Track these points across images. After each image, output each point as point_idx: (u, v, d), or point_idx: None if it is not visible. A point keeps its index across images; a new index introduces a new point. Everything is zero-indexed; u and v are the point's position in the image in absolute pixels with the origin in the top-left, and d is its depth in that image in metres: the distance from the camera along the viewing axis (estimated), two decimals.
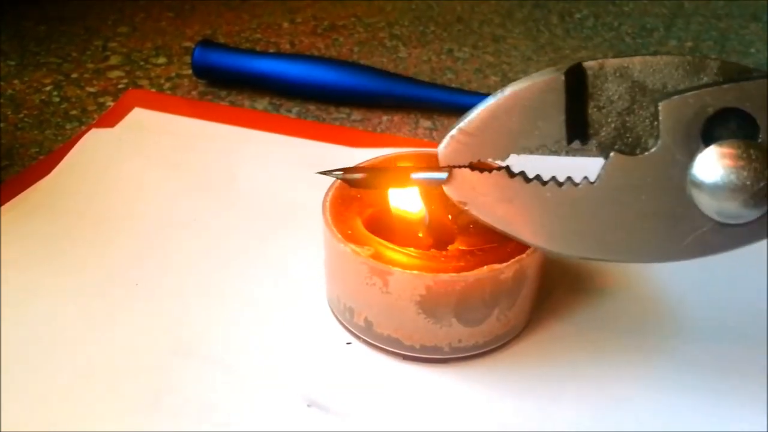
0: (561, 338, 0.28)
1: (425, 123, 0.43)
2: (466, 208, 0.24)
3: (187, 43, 0.52)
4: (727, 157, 0.20)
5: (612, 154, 0.22)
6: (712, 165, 0.21)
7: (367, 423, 0.24)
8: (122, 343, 0.27)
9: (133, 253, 0.31)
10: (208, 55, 0.45)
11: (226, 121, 0.41)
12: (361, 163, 0.29)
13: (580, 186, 0.23)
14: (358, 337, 0.27)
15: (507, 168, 0.23)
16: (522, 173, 0.23)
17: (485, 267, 0.24)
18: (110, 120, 0.41)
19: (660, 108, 0.22)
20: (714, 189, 0.21)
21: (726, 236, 0.22)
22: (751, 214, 0.21)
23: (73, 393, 0.25)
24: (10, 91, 0.45)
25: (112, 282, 0.30)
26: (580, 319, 0.28)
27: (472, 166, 0.23)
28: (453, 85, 0.47)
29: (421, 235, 0.27)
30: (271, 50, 0.52)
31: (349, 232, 0.26)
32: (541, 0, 0.61)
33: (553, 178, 0.23)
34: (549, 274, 0.30)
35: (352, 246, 0.25)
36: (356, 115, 0.44)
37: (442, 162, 0.24)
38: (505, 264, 0.24)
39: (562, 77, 0.22)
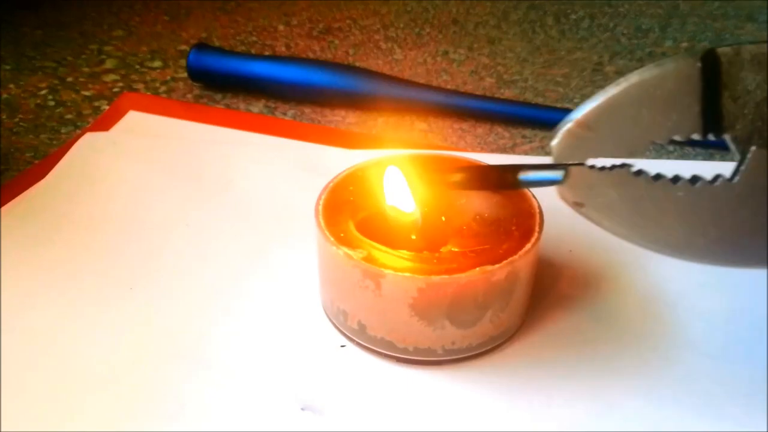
0: (554, 340, 0.28)
1: (421, 125, 0.43)
2: (582, 210, 0.22)
3: (183, 47, 0.52)
4: None
5: (753, 149, 0.20)
6: None
7: (361, 426, 0.24)
8: (116, 346, 0.27)
9: (127, 256, 0.31)
10: (204, 59, 0.45)
11: (221, 124, 0.41)
12: (458, 165, 0.27)
13: (716, 184, 0.20)
14: (352, 340, 0.27)
15: (629, 166, 0.21)
16: (644, 172, 0.21)
17: (477, 269, 0.24)
18: (105, 124, 0.41)
19: None
20: None
21: None
22: None
23: (67, 396, 0.25)
24: (5, 96, 0.45)
25: (106, 286, 0.30)
26: (574, 321, 0.28)
27: (590, 165, 0.21)
28: (448, 87, 0.47)
29: (414, 237, 0.27)
30: (267, 53, 0.52)
31: (342, 235, 0.26)
32: (536, 1, 0.61)
33: (681, 178, 0.21)
34: (542, 276, 0.30)
35: (345, 249, 0.25)
36: (351, 117, 0.44)
37: (556, 158, 0.22)
38: (497, 266, 0.24)
39: (699, 64, 0.20)
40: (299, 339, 0.28)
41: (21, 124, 0.42)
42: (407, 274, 0.24)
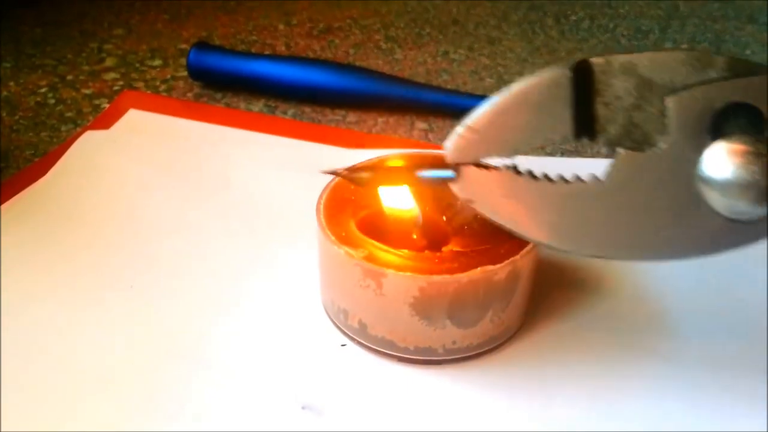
0: (555, 339, 0.28)
1: (421, 125, 0.43)
2: (473, 206, 0.24)
3: (183, 45, 0.52)
4: (736, 152, 0.20)
5: (620, 150, 0.22)
6: (721, 161, 0.20)
7: (361, 425, 0.24)
8: (116, 345, 0.27)
9: (127, 255, 0.31)
10: (204, 57, 0.45)
11: (221, 122, 0.41)
12: (365, 161, 0.29)
13: (588, 182, 0.22)
14: (353, 339, 0.27)
15: (514, 166, 0.23)
16: (529, 172, 0.23)
17: (479, 268, 0.24)
18: (105, 122, 0.41)
19: (667, 103, 0.21)
20: (723, 185, 0.20)
21: (736, 233, 0.22)
22: (762, 211, 0.20)
23: (66, 396, 0.25)
24: (5, 93, 0.45)
25: (106, 284, 0.30)
26: (575, 320, 0.28)
27: (479, 164, 0.23)
28: (448, 87, 0.47)
29: (415, 236, 0.27)
30: (267, 52, 0.52)
31: (343, 234, 0.26)
32: (536, 2, 0.61)
33: (561, 177, 0.23)
34: (543, 276, 0.30)
35: (346, 248, 0.25)
36: (352, 116, 0.44)
37: (449, 159, 0.23)
38: (498, 265, 0.24)
39: (569, 73, 0.22)
40: (300, 338, 0.27)
41: (21, 121, 0.42)
42: (408, 274, 0.24)
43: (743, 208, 0.20)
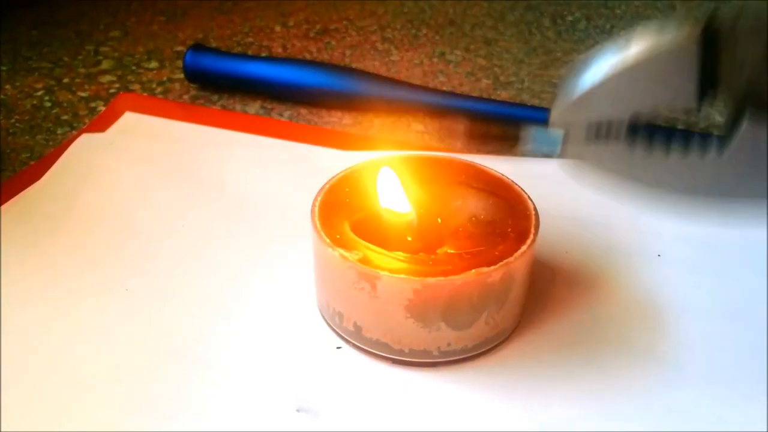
0: (550, 341, 0.28)
1: (417, 126, 0.43)
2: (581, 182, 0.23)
3: (179, 47, 0.52)
4: None
5: (745, 121, 0.21)
6: None
7: (357, 427, 0.24)
8: (112, 347, 0.27)
9: (123, 257, 0.31)
10: (200, 59, 0.45)
11: (217, 124, 0.41)
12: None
13: (709, 154, 0.21)
14: (348, 342, 0.27)
15: (627, 134, 0.22)
16: (643, 144, 0.22)
17: (473, 270, 0.24)
18: (101, 124, 0.41)
19: None
20: None
21: None
22: None
23: (63, 397, 0.25)
24: (1, 96, 0.45)
25: (102, 287, 0.30)
26: (569, 322, 0.28)
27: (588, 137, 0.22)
28: (445, 88, 0.47)
29: (409, 239, 0.27)
30: (263, 54, 0.52)
31: (338, 236, 0.26)
32: (533, 2, 0.61)
33: (676, 147, 0.22)
34: (537, 277, 0.30)
35: (341, 250, 0.25)
36: (348, 118, 0.44)
37: (556, 120, 0.22)
38: (492, 267, 0.24)
39: (698, 36, 0.21)
40: (295, 340, 0.28)
41: (17, 124, 0.42)
42: (403, 276, 0.24)
43: None
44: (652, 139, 0.22)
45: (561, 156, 0.23)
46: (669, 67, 0.21)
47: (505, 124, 0.25)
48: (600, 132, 0.22)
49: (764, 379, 0.26)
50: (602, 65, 0.21)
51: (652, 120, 0.22)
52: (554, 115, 0.22)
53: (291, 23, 0.57)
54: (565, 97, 0.22)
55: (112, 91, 0.46)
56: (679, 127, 0.23)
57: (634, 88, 0.21)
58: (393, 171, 0.28)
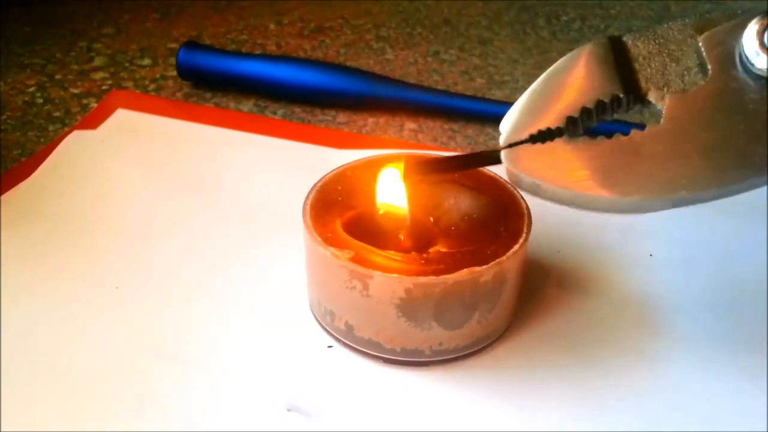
0: (542, 340, 0.28)
1: (411, 125, 0.43)
2: (534, 182, 0.23)
3: (173, 45, 0.51)
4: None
5: (667, 96, 0.22)
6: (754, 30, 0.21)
7: (348, 427, 0.24)
8: (103, 347, 0.27)
9: (114, 256, 0.31)
10: (193, 57, 0.45)
11: (210, 122, 0.41)
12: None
13: (646, 131, 0.22)
14: (339, 341, 0.27)
15: (566, 131, 0.23)
16: (583, 135, 0.23)
17: (465, 270, 0.24)
18: (93, 121, 0.41)
19: (699, 42, 0.22)
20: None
21: None
22: None
23: (53, 397, 0.25)
24: None
25: (92, 285, 0.29)
26: (562, 322, 0.28)
27: (534, 138, 0.23)
28: (439, 87, 0.47)
29: (401, 237, 0.27)
30: (257, 52, 0.51)
31: (330, 235, 0.26)
32: (528, 2, 0.61)
33: (613, 133, 0.23)
34: (530, 277, 0.30)
35: (332, 249, 0.25)
36: (342, 117, 0.44)
37: (504, 142, 0.23)
38: (485, 266, 0.24)
39: (606, 42, 0.23)
40: (286, 339, 0.27)
41: (8, 121, 0.42)
42: (394, 275, 0.24)
43: None
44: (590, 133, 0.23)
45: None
46: (589, 67, 0.23)
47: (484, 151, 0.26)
48: (541, 137, 0.23)
49: (760, 377, 0.26)
50: (531, 89, 0.24)
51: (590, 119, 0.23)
52: (501, 139, 0.24)
53: (285, 21, 0.56)
54: (506, 119, 0.24)
55: (104, 88, 0.46)
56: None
57: (561, 94, 0.23)
58: (394, 171, 0.27)
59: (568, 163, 0.23)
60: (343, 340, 0.27)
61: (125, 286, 0.29)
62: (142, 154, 0.38)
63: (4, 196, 0.34)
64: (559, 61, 0.24)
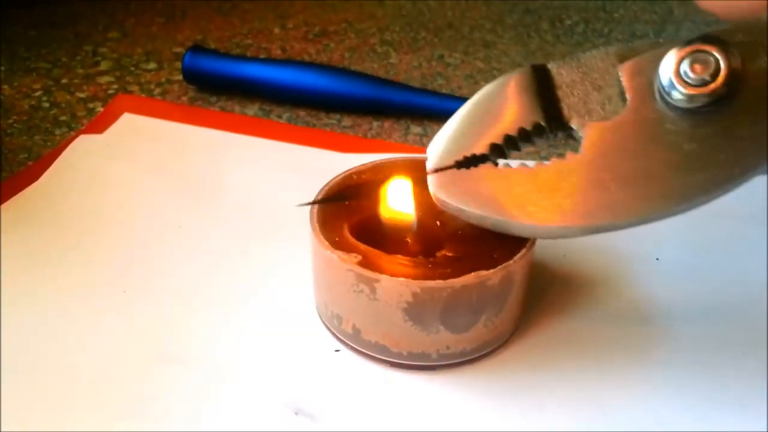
0: (549, 345, 0.28)
1: (416, 129, 0.43)
2: (459, 207, 0.24)
3: (178, 49, 0.52)
4: (683, 51, 0.21)
5: (588, 124, 0.23)
6: (672, 58, 0.21)
7: (355, 431, 0.24)
8: (108, 349, 0.27)
9: (120, 259, 0.31)
10: (199, 61, 0.45)
11: (215, 126, 0.41)
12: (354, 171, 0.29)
13: (566, 159, 0.23)
14: (346, 345, 0.27)
15: (490, 158, 0.24)
16: (505, 163, 0.24)
17: (472, 273, 0.24)
18: (99, 126, 0.41)
19: (620, 71, 0.23)
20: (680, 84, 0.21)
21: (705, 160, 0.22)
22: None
23: (58, 398, 0.25)
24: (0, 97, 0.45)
25: (99, 288, 0.30)
26: (568, 326, 0.28)
27: (459, 164, 0.24)
28: (444, 91, 0.47)
29: (408, 241, 0.27)
30: (262, 56, 0.52)
31: (337, 239, 0.26)
32: (531, 5, 0.61)
33: (536, 161, 0.24)
34: (536, 281, 0.30)
35: (339, 253, 0.25)
36: (346, 121, 0.44)
37: (429, 168, 0.25)
38: (492, 270, 0.24)
39: (529, 69, 0.24)
40: (293, 343, 0.27)
41: (15, 125, 0.42)
42: (402, 279, 0.24)
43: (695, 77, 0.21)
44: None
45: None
46: (510, 94, 0.24)
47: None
48: (466, 163, 0.24)
49: (763, 381, 0.26)
50: (455, 116, 0.25)
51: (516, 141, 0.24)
52: (428, 164, 0.25)
53: (290, 25, 0.57)
54: (433, 145, 0.25)
55: (110, 92, 0.46)
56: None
57: (485, 121, 0.24)
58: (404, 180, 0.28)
59: (491, 190, 0.24)
60: (350, 343, 0.27)
61: (132, 289, 0.30)
62: (148, 158, 0.38)
63: (12, 200, 0.34)
64: (485, 88, 0.24)
